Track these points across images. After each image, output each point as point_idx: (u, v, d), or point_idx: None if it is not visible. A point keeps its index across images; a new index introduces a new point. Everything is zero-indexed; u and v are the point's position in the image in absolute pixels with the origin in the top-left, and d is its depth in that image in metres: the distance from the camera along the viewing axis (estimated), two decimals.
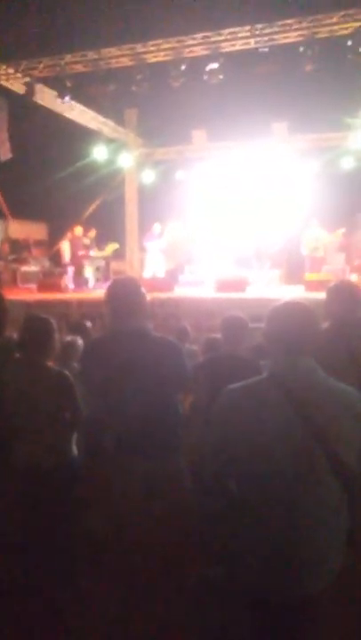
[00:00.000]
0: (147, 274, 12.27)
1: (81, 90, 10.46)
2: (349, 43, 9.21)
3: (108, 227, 13.39)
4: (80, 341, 4.79)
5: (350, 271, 12.30)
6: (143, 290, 2.77)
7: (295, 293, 10.50)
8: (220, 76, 9.85)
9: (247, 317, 8.58)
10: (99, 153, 12.74)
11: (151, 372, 2.56)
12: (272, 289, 11.56)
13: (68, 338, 4.96)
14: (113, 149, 13.33)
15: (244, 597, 1.91)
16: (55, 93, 10.79)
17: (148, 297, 2.81)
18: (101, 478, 2.81)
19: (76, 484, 3.08)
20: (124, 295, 2.70)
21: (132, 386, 2.51)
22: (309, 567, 1.75)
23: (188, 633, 2.60)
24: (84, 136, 12.62)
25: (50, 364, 3.08)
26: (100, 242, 12.54)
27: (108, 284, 3.02)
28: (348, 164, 13.09)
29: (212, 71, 9.77)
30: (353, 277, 11.93)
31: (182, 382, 2.87)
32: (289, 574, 1.75)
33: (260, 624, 1.87)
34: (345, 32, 9.25)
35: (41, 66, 10.30)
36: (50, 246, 12.39)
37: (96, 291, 11.33)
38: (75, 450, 3.12)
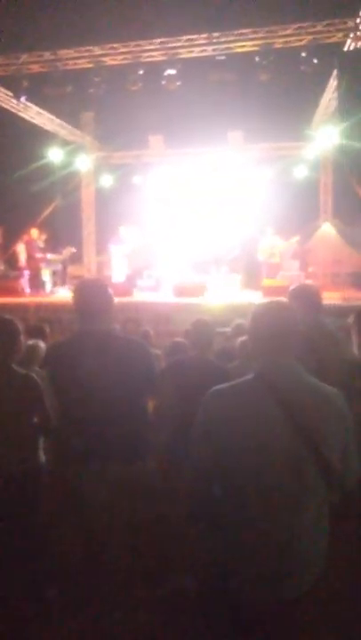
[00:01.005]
0: (114, 278, 12.19)
1: (37, 90, 10.31)
2: (303, 54, 9.47)
3: (65, 230, 13.22)
4: (42, 345, 4.70)
5: (305, 277, 12.59)
6: (110, 291, 2.74)
7: (253, 299, 10.66)
8: (178, 83, 9.93)
9: None
10: (54, 155, 12.62)
11: (119, 373, 2.52)
12: (230, 294, 11.67)
13: (30, 342, 4.86)
14: (69, 152, 13.20)
15: (225, 601, 1.90)
16: (10, 93, 10.60)
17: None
18: (70, 484, 2.72)
19: (43, 491, 3.00)
20: (92, 296, 2.67)
21: (100, 388, 2.47)
22: (292, 571, 1.75)
23: None
24: (39, 138, 12.46)
25: (14, 366, 2.99)
26: (56, 245, 12.35)
27: (75, 284, 2.97)
28: (301, 173, 13.41)
29: (169, 77, 9.85)
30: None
31: (150, 384, 2.83)
32: (272, 578, 1.75)
33: (243, 628, 1.87)
34: (299, 44, 9.49)
35: None
36: (4, 249, 12.09)
37: (53, 295, 11.16)
38: (42, 456, 3.05)
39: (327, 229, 13.86)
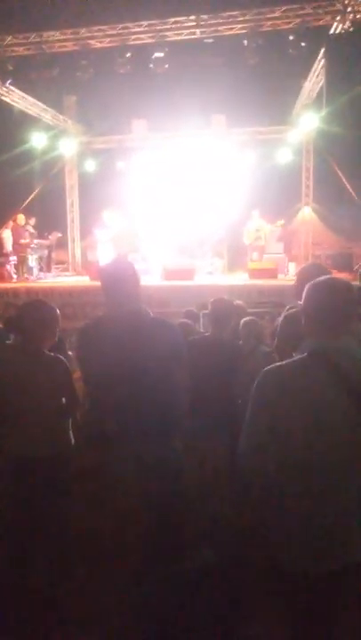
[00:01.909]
0: (101, 261, 12.16)
1: (22, 74, 10.14)
2: (291, 37, 9.53)
3: (49, 215, 13.10)
4: None
5: (288, 260, 12.79)
6: (137, 271, 2.73)
7: (240, 281, 10.80)
8: (166, 65, 9.90)
9: (197, 305, 8.69)
10: (38, 140, 12.45)
11: (150, 354, 2.51)
12: (217, 277, 11.79)
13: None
14: (52, 137, 13.05)
15: (278, 574, 1.92)
16: None
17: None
18: (98, 465, 2.71)
19: (72, 473, 3.01)
20: (119, 277, 2.65)
21: (130, 369, 2.46)
22: (346, 541, 1.80)
23: (191, 617, 2.67)
24: (22, 122, 12.25)
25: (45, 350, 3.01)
26: (41, 231, 12.26)
27: (101, 265, 2.96)
28: (284, 157, 13.53)
29: (157, 59, 9.80)
30: (291, 265, 12.43)
31: (179, 364, 2.78)
32: (325, 548, 1.79)
33: (298, 598, 1.89)
34: (287, 27, 9.53)
35: None
36: None
37: (41, 280, 11.10)
38: (72, 438, 3.06)
39: (307, 213, 14.07)
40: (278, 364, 1.90)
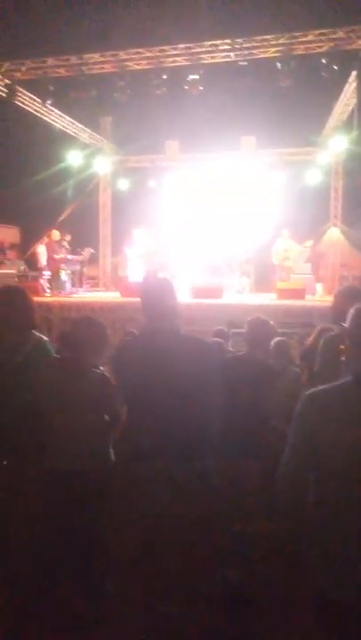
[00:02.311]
0: (130, 278, 12.36)
1: (62, 94, 10.45)
2: (323, 60, 9.64)
3: (82, 232, 13.35)
4: None
5: (316, 280, 12.76)
6: (175, 289, 2.77)
7: (268, 300, 10.83)
8: (200, 87, 10.09)
9: (225, 324, 8.72)
10: (74, 158, 12.76)
11: (186, 372, 2.51)
12: (245, 296, 11.82)
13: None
14: (88, 155, 13.36)
15: (311, 598, 1.91)
16: (34, 96, 10.76)
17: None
18: (132, 481, 2.74)
19: (109, 488, 3.03)
20: (158, 295, 2.68)
21: (167, 387, 2.48)
22: None
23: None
24: (59, 141, 12.59)
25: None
26: (74, 247, 12.50)
27: (140, 281, 3.02)
28: (313, 178, 13.58)
29: (192, 81, 9.99)
30: (319, 286, 12.40)
31: (216, 382, 2.78)
32: None
33: (330, 626, 1.88)
34: (320, 50, 9.65)
35: (23, 68, 10.26)
36: (23, 250, 12.22)
37: (73, 295, 11.29)
38: (112, 454, 3.08)
39: (335, 234, 14.05)
40: (322, 387, 1.88)
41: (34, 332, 3.46)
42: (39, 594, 2.88)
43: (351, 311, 1.92)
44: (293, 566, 2.79)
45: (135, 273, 12.52)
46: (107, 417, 3.03)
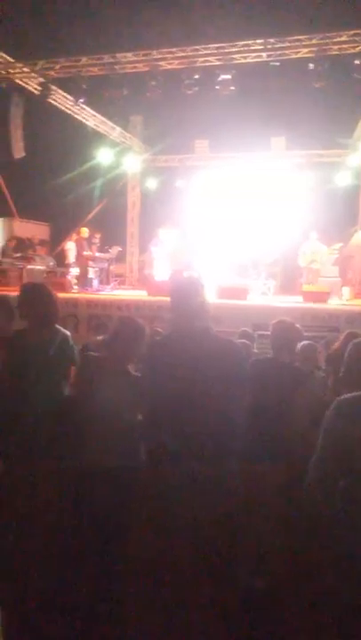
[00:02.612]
0: (157, 277, 12.43)
1: (94, 93, 10.54)
2: (357, 61, 9.50)
3: (110, 229, 13.45)
4: None
5: (343, 284, 12.60)
6: (205, 290, 2.77)
7: (294, 303, 10.75)
8: (232, 87, 10.05)
9: (250, 325, 8.67)
10: (104, 157, 12.84)
11: (214, 374, 2.52)
12: (271, 298, 11.76)
13: (99, 337, 5.02)
14: (117, 154, 13.44)
15: (337, 604, 1.92)
16: (67, 95, 10.87)
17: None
18: (159, 483, 2.76)
19: (137, 488, 3.03)
20: (188, 295, 2.69)
21: (195, 388, 2.49)
22: None
23: None
24: (90, 140, 12.69)
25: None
26: (102, 244, 12.61)
27: (168, 280, 3.03)
28: (342, 180, 13.42)
29: (224, 82, 9.96)
30: (345, 290, 12.25)
31: (242, 386, 2.79)
32: None
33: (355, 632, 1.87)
34: (353, 51, 9.53)
35: (57, 67, 10.37)
36: (53, 246, 12.38)
37: (100, 292, 11.39)
38: (142, 452, 3.07)
39: None
40: (352, 394, 1.88)
41: (58, 326, 3.58)
42: (59, 592, 2.89)
43: None
44: (315, 574, 2.79)
45: (161, 272, 12.55)
46: (140, 417, 3.03)
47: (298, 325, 5.70)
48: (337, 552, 1.90)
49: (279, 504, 3.47)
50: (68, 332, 3.67)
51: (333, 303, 10.65)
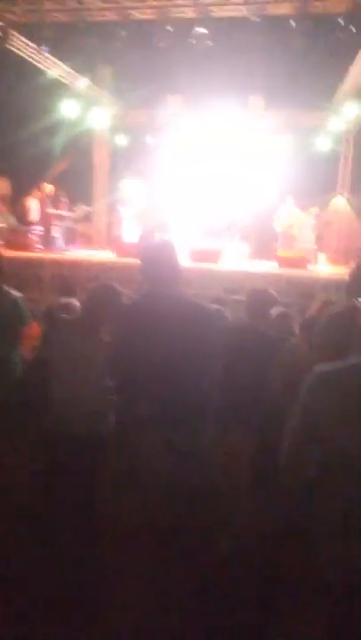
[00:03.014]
0: (125, 238, 12.09)
1: (59, 41, 9.94)
2: (341, 21, 9.18)
3: (76, 188, 12.95)
4: (76, 302, 4.67)
5: (319, 250, 12.54)
6: (178, 254, 2.71)
7: (268, 268, 10.64)
8: (209, 42, 9.62)
9: (223, 290, 8.57)
10: (69, 109, 12.23)
11: (188, 339, 2.49)
12: (243, 262, 11.61)
13: (64, 299, 4.84)
14: (84, 107, 12.83)
15: (313, 579, 1.92)
16: (30, 42, 10.22)
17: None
18: (132, 448, 2.73)
19: (106, 454, 3.02)
20: (161, 259, 2.64)
21: (168, 352, 2.45)
22: None
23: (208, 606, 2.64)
24: (55, 91, 12.03)
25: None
26: (69, 202, 12.14)
27: (139, 242, 2.95)
28: (322, 144, 13.21)
29: (200, 35, 9.52)
30: (321, 256, 12.21)
31: (217, 351, 2.78)
32: None
33: (336, 613, 1.86)
34: (337, 10, 9.18)
35: (17, 10, 9.68)
36: (14, 203, 11.83)
37: (65, 252, 11.02)
38: (112, 420, 3.05)
39: (340, 203, 13.76)
40: (332, 366, 1.81)
41: (7, 288, 3.48)
42: (35, 562, 2.85)
43: None
44: (289, 543, 2.79)
45: (130, 232, 12.21)
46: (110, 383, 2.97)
47: (272, 291, 5.62)
48: (307, 523, 1.91)
49: (252, 472, 3.46)
50: (17, 294, 3.67)
51: (309, 269, 10.58)
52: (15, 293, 3.68)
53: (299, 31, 9.21)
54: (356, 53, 10.43)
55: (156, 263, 2.62)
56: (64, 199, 11.52)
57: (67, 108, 12.19)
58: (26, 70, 11.17)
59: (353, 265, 3.29)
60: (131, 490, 2.84)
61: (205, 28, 9.50)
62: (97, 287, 3.11)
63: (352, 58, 10.76)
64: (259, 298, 3.76)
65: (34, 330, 4.04)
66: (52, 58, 11.14)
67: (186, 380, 2.47)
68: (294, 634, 2.56)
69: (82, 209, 12.10)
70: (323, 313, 3.78)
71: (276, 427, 3.62)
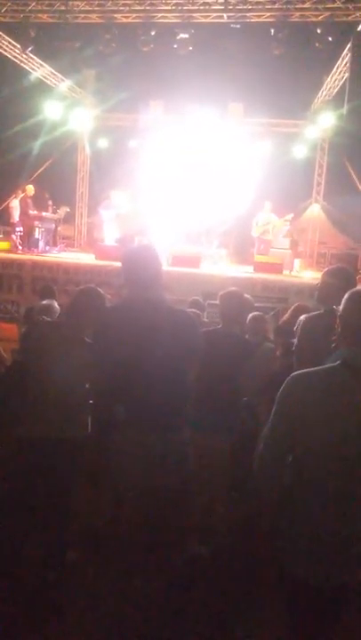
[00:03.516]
0: (106, 241, 12.09)
1: (44, 42, 9.94)
2: (319, 30, 9.37)
3: (58, 189, 12.93)
4: (56, 305, 4.68)
5: (294, 256, 12.72)
6: (160, 258, 2.69)
7: (245, 273, 10.76)
8: (190, 47, 9.73)
9: (201, 294, 8.64)
10: (52, 111, 12.22)
11: (166, 344, 2.47)
12: (222, 267, 11.73)
13: (45, 302, 4.84)
14: (67, 110, 12.83)
15: (282, 580, 1.93)
16: (14, 42, 10.21)
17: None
18: (107, 451, 2.72)
19: (83, 458, 3.02)
20: (142, 263, 2.60)
21: (146, 357, 2.43)
22: (357, 556, 1.79)
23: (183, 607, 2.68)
24: (38, 92, 12.03)
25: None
26: (50, 204, 12.11)
27: (119, 246, 2.96)
28: (298, 152, 13.41)
29: (182, 40, 9.63)
30: (296, 262, 12.38)
31: (194, 357, 2.79)
32: (335, 561, 1.78)
33: (298, 607, 1.90)
34: (315, 19, 9.38)
35: (2, 9, 9.68)
36: None
37: (46, 254, 10.99)
38: (89, 423, 3.05)
39: (315, 210, 13.99)
40: (307, 370, 1.84)
41: None
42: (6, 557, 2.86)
43: (346, 296, 1.88)
44: (259, 543, 2.83)
45: (111, 236, 12.24)
46: (87, 385, 2.97)
47: (247, 296, 5.70)
48: (284, 525, 1.89)
49: (227, 474, 3.51)
50: None
51: (284, 275, 10.74)
52: None
53: (277, 39, 9.36)
54: (333, 63, 10.65)
55: (138, 266, 2.60)
56: (46, 201, 11.49)
57: (49, 110, 12.18)
58: (9, 71, 11.15)
59: (324, 272, 3.33)
60: (106, 491, 2.85)
61: (187, 33, 9.59)
62: (81, 290, 3.08)
63: (329, 67, 10.99)
64: (232, 302, 3.79)
65: (12, 331, 4.01)
66: (35, 58, 11.14)
67: (163, 382, 2.46)
68: (262, 630, 2.62)
69: (63, 210, 12.08)
70: (296, 318, 3.86)
71: (250, 429, 3.71)
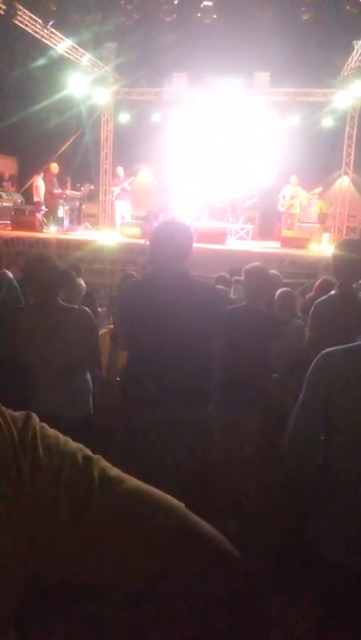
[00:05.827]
0: (117, 219, 12.01)
1: (65, 16, 9.78)
2: None
3: (82, 166, 12.84)
4: (82, 283, 4.67)
5: (322, 230, 12.45)
6: (190, 234, 2.67)
7: (272, 248, 10.59)
8: (214, 15, 9.47)
9: (228, 270, 8.52)
10: (76, 87, 12.08)
11: (191, 318, 2.45)
12: (249, 243, 11.57)
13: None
14: (90, 85, 12.67)
15: (317, 563, 1.89)
16: (36, 17, 10.06)
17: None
18: (132, 427, 2.69)
19: (93, 437, 2.91)
20: (171, 237, 2.57)
21: (171, 331, 2.41)
22: None
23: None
24: (60, 68, 11.86)
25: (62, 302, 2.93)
26: (73, 182, 12.06)
27: (153, 225, 2.90)
28: (327, 122, 13.03)
29: (206, 8, 9.36)
30: (324, 237, 12.12)
31: (219, 331, 2.75)
32: None
33: (335, 591, 1.86)
34: None
35: None
36: (21, 182, 11.72)
37: (71, 232, 10.98)
38: (91, 402, 3.02)
39: (345, 183, 13.63)
40: (339, 347, 1.81)
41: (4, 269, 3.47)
42: None
43: None
44: (291, 523, 2.80)
45: (122, 213, 12.14)
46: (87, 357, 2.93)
47: (275, 271, 5.57)
48: (317, 506, 1.87)
49: (254, 451, 3.48)
50: (10, 275, 3.61)
51: (312, 250, 10.53)
52: (9, 274, 3.66)
53: (306, 4, 9.03)
54: None
55: (166, 242, 2.56)
56: (66, 179, 11.43)
57: (72, 85, 12.04)
58: (31, 46, 11.01)
59: (338, 244, 3.22)
60: (134, 469, 2.82)
61: (211, 0, 9.32)
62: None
63: (360, 32, 10.54)
64: (256, 277, 3.70)
65: None
66: (57, 33, 10.98)
67: (189, 359, 2.44)
68: (288, 607, 2.60)
69: (87, 187, 12.00)
70: (321, 294, 3.75)
71: (280, 406, 3.66)
